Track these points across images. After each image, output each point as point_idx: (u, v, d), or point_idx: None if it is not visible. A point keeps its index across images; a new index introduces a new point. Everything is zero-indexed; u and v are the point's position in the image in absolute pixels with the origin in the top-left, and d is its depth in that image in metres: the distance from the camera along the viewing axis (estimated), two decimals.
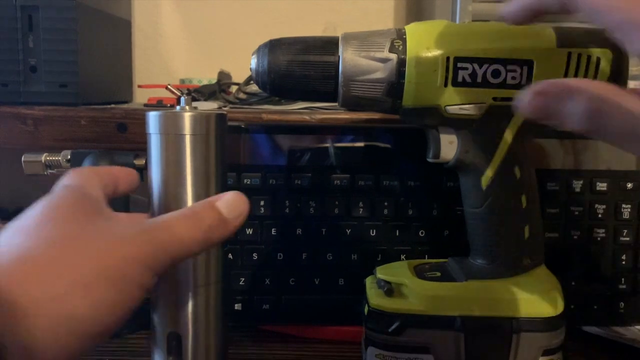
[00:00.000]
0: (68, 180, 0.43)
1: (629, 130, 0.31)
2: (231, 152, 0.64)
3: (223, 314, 0.48)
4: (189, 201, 0.45)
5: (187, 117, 0.44)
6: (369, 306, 0.51)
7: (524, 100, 0.35)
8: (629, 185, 0.64)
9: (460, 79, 0.47)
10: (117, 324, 0.36)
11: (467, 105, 0.48)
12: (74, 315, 0.33)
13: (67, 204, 0.39)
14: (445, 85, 0.47)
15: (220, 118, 0.47)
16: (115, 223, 0.40)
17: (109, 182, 0.45)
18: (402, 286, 0.50)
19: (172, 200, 0.45)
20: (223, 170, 0.47)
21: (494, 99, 0.47)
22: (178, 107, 0.46)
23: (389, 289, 0.50)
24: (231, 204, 0.42)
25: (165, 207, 0.45)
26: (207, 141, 0.45)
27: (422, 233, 0.65)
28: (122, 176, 0.48)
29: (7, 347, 0.30)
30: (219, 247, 0.47)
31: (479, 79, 0.47)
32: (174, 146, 0.45)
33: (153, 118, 0.45)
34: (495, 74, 0.47)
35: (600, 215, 0.65)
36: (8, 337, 0.31)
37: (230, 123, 0.65)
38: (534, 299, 0.49)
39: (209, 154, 0.45)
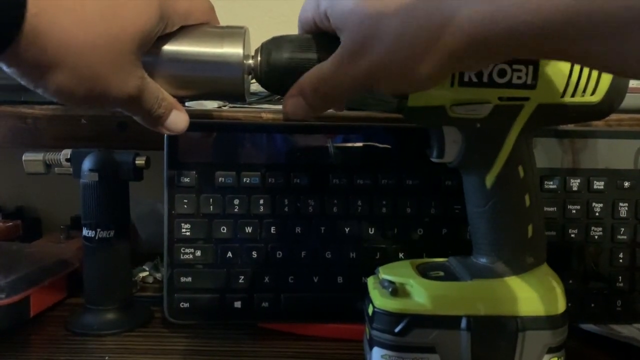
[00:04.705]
0: None
1: None
2: (230, 151, 0.64)
3: None
4: None
5: None
6: (373, 306, 0.50)
7: None
8: (626, 183, 0.65)
9: (466, 79, 0.47)
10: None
11: (473, 105, 0.48)
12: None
13: None
14: (452, 84, 0.47)
15: None
16: None
17: None
18: (407, 286, 0.50)
19: None
20: None
21: (500, 98, 0.48)
22: None
23: (394, 289, 0.50)
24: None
25: None
26: None
27: (420, 231, 0.65)
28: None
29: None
30: None
31: (485, 79, 0.47)
32: None
33: None
34: (502, 73, 0.47)
35: (597, 214, 0.65)
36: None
37: (230, 122, 0.66)
38: (539, 298, 0.49)
39: None
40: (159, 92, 0.46)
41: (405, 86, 0.43)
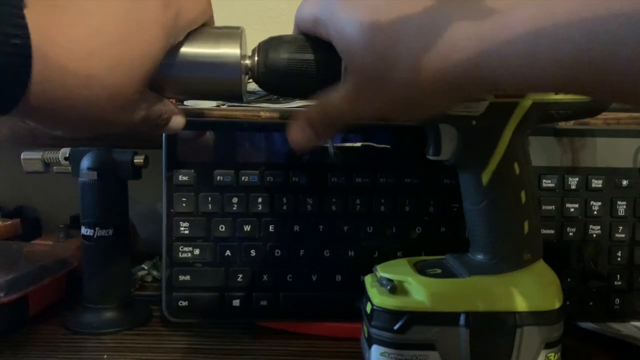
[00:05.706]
0: None
1: None
2: (229, 150, 0.64)
3: None
4: None
5: None
6: (372, 304, 0.50)
7: None
8: (625, 182, 0.65)
9: None
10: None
11: (468, 103, 0.48)
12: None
13: None
14: None
15: None
16: None
17: None
18: (405, 283, 0.50)
19: None
20: None
21: (495, 95, 0.48)
22: None
23: (393, 287, 0.50)
24: None
25: None
26: None
27: (419, 230, 0.65)
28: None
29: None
30: None
31: None
32: None
33: None
34: None
35: (595, 212, 0.65)
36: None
37: (228, 120, 0.66)
38: (536, 293, 0.49)
39: None
40: (162, 107, 0.46)
41: (414, 116, 0.44)
